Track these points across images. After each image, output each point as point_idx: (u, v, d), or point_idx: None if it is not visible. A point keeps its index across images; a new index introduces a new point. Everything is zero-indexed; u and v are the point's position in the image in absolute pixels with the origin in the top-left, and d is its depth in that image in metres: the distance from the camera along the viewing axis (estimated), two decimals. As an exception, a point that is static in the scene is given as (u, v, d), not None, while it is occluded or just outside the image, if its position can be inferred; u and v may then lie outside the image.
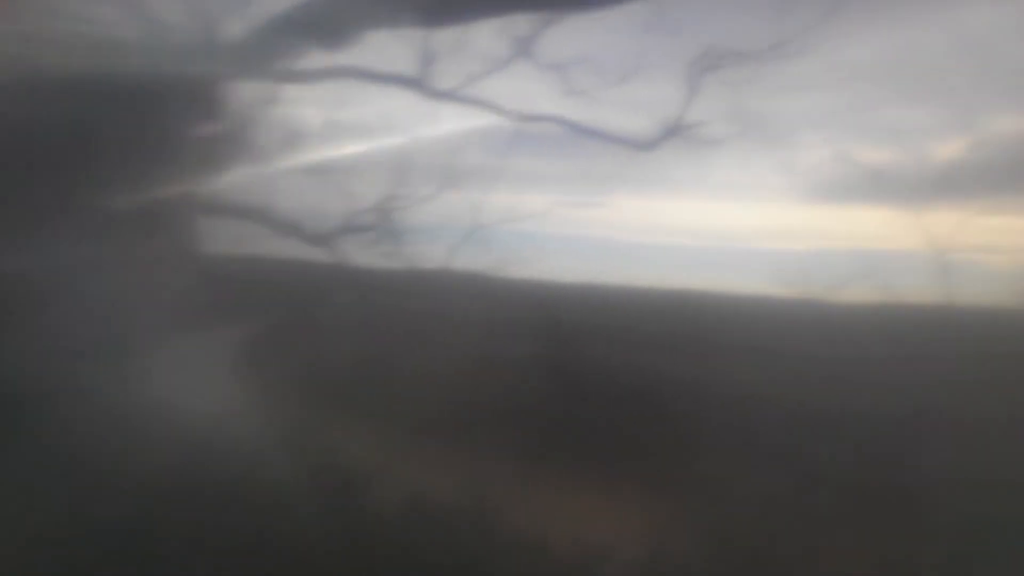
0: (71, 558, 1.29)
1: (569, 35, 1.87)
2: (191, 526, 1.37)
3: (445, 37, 1.88)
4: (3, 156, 1.67)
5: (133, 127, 1.93)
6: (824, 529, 1.41)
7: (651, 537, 1.43)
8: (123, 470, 1.44)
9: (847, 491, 1.44)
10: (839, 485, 1.45)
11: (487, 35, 1.86)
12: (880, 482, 1.42)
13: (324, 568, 1.41)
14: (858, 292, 1.83)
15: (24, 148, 1.71)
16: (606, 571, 1.43)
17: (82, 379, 1.61)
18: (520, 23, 1.84)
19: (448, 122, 1.98)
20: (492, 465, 1.60)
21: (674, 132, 1.96)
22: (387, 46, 1.86)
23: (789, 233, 1.98)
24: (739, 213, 2.06)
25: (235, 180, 2.02)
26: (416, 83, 1.92)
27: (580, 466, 1.60)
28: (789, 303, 1.88)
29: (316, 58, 1.85)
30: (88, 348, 1.69)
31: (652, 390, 1.74)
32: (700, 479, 1.51)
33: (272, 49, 1.86)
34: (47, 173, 1.76)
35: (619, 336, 2.00)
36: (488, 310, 2.12)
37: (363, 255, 2.13)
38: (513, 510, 1.48)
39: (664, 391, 1.73)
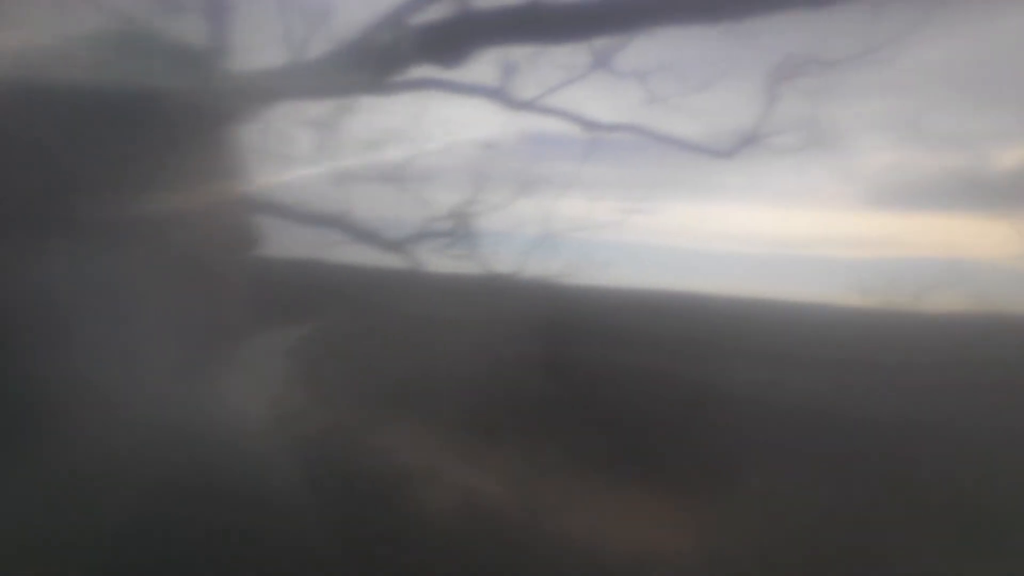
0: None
1: (648, 45, 1.87)
2: (235, 522, 1.39)
3: (525, 49, 1.90)
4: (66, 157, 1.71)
5: (208, 133, 1.98)
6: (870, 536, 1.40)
7: (692, 542, 1.44)
8: (162, 472, 1.46)
9: (917, 502, 1.42)
10: (908, 496, 1.43)
11: (567, 46, 1.87)
12: (953, 495, 1.40)
13: (370, 563, 1.42)
14: (933, 300, 1.80)
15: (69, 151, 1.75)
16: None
17: (132, 382, 1.64)
18: (602, 35, 1.84)
19: (525, 131, 2.00)
20: (544, 465, 1.61)
21: (751, 141, 1.96)
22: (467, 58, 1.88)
23: (864, 241, 1.97)
24: (810, 221, 2.05)
25: (313, 187, 2.06)
26: (494, 93, 1.94)
27: (636, 469, 1.60)
28: (864, 311, 1.86)
29: (398, 69, 1.88)
30: (143, 349, 1.72)
31: (721, 396, 1.73)
32: (754, 488, 1.50)
33: (356, 61, 1.89)
34: (100, 177, 1.80)
35: (691, 343, 1.99)
36: (550, 315, 2.12)
37: (436, 260, 2.16)
38: (556, 509, 1.49)
39: (735, 398, 1.72)
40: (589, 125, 1.93)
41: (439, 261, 2.19)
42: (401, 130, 1.98)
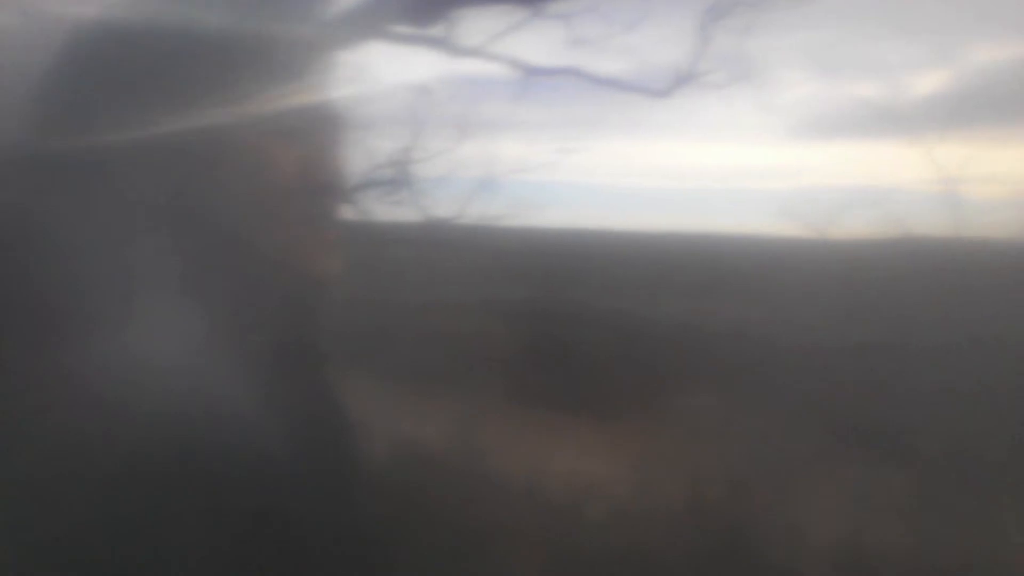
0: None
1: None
2: (186, 470, 1.42)
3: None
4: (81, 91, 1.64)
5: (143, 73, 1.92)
6: (816, 467, 1.48)
7: (644, 479, 1.50)
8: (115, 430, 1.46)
9: (842, 430, 1.52)
10: (834, 424, 1.52)
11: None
12: (876, 420, 1.50)
13: (318, 515, 1.47)
14: (857, 227, 1.89)
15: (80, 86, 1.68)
16: (597, 512, 1.51)
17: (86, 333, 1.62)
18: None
19: (460, 75, 1.98)
20: (491, 410, 1.65)
21: (685, 80, 1.98)
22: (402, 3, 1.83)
23: (791, 171, 2.04)
24: (739, 154, 2.12)
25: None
26: (430, 40, 1.91)
27: (574, 405, 1.67)
28: (790, 240, 1.95)
29: (330, 17, 1.83)
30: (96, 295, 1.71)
31: (654, 332, 1.80)
32: (694, 420, 1.56)
33: (292, 6, 1.83)
34: (83, 111, 1.75)
35: (626, 281, 2.06)
36: (493, 258, 2.16)
37: (378, 208, 2.16)
38: (506, 453, 1.53)
39: (665, 332, 1.78)
40: (527, 68, 1.93)
41: (382, 209, 2.19)
42: (339, 78, 1.95)
